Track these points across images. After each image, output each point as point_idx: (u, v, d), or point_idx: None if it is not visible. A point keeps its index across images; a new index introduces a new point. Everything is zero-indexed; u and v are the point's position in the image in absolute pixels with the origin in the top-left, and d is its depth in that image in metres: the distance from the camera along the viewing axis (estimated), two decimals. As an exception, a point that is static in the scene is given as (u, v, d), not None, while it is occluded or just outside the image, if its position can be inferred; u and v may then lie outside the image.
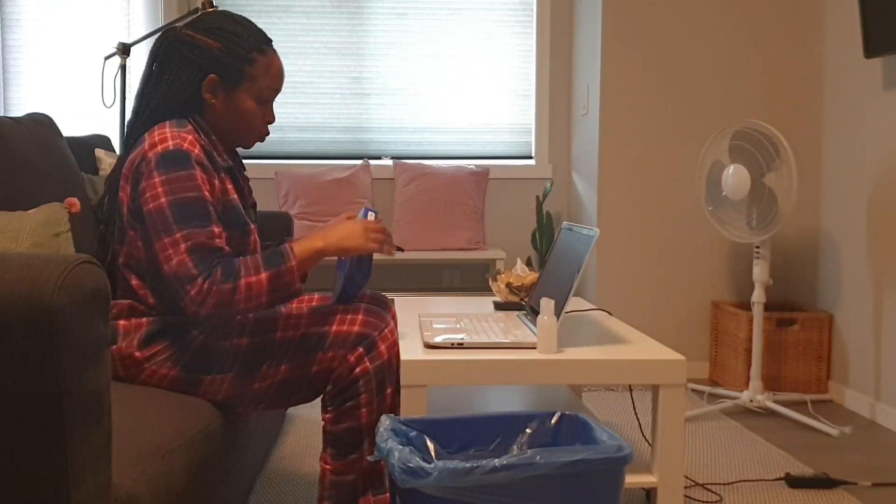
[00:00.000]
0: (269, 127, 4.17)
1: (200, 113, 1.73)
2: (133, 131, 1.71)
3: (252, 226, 1.76)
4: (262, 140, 1.82)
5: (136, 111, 1.73)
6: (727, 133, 2.99)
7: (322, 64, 4.18)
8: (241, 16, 1.75)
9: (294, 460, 2.51)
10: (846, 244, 3.26)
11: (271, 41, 1.77)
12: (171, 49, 1.71)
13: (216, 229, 1.59)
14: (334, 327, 1.67)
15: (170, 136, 1.62)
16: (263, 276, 1.57)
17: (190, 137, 1.63)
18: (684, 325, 3.67)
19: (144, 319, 1.66)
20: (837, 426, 2.88)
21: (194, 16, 3.43)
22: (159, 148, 1.60)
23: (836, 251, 3.33)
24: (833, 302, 3.35)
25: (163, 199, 1.57)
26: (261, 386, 1.66)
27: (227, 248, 1.60)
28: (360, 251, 1.68)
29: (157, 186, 1.58)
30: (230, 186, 1.71)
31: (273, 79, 1.75)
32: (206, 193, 1.60)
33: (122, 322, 1.65)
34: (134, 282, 1.67)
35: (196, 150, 1.62)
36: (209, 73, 1.70)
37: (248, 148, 1.82)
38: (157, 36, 1.88)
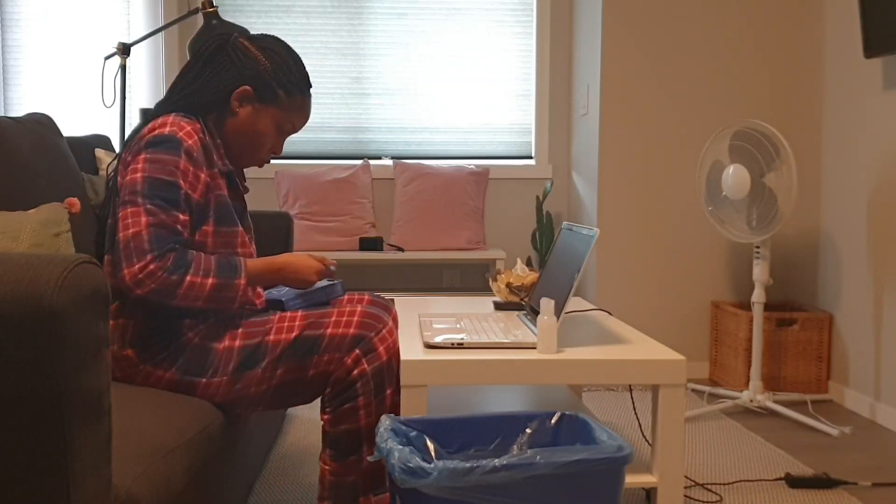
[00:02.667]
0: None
1: (221, 117, 1.74)
2: (155, 113, 1.72)
3: (239, 228, 1.75)
4: (261, 166, 1.84)
5: (167, 94, 1.75)
6: (727, 133, 2.99)
7: (322, 64, 4.18)
8: (295, 53, 1.79)
9: (294, 460, 2.51)
10: (846, 244, 3.26)
11: (311, 86, 1.81)
12: (220, 50, 1.73)
13: (181, 216, 1.60)
14: (329, 330, 1.66)
15: (170, 122, 1.64)
16: (209, 281, 1.59)
17: (188, 128, 1.64)
18: (684, 325, 3.67)
19: (141, 320, 1.65)
20: (837, 426, 2.88)
21: (194, 15, 3.43)
22: (156, 132, 1.63)
23: (836, 251, 3.33)
24: (833, 302, 3.35)
25: (139, 174, 1.59)
26: (257, 390, 1.65)
27: (186, 234, 1.61)
28: (300, 285, 1.76)
29: (139, 162, 1.60)
30: (225, 191, 1.71)
31: (298, 118, 1.79)
32: (182, 182, 1.61)
33: (120, 322, 1.65)
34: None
35: (190, 141, 1.63)
36: (246, 83, 1.71)
37: (245, 167, 1.83)
38: (208, 36, 1.90)
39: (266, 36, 1.78)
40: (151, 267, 1.53)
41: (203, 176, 1.66)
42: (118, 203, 1.63)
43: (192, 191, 1.63)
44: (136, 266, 1.53)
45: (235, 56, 1.72)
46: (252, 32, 1.87)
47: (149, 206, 1.56)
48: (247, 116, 1.73)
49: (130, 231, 1.55)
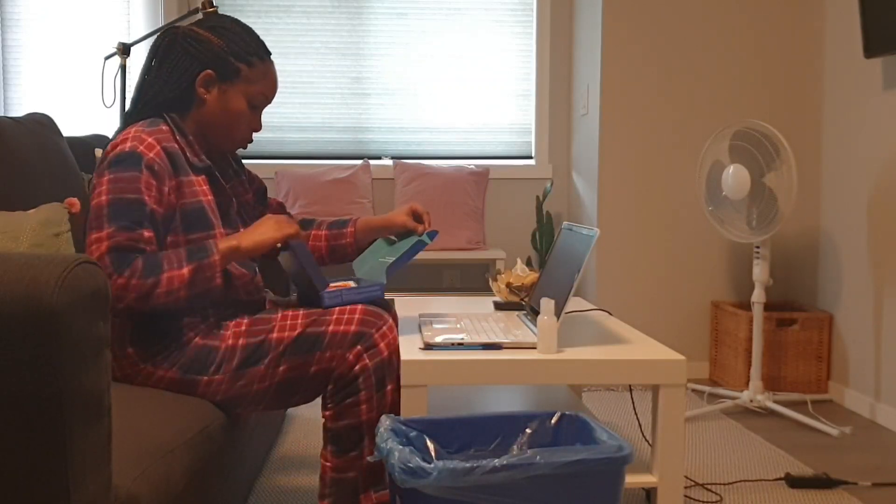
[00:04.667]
0: (269, 126, 4.18)
1: (190, 109, 1.73)
2: (126, 123, 1.72)
3: (216, 231, 1.72)
4: (245, 147, 1.82)
5: (133, 103, 1.74)
6: (727, 133, 2.99)
7: (322, 64, 4.18)
8: (245, 23, 1.78)
9: (294, 460, 2.51)
10: (846, 244, 3.26)
11: (270, 53, 1.79)
12: (172, 44, 1.72)
13: (146, 233, 1.59)
14: (331, 327, 1.67)
15: (132, 136, 1.63)
16: (185, 269, 1.57)
17: (149, 140, 1.63)
18: (684, 325, 3.67)
19: (142, 320, 1.65)
20: (837, 426, 2.88)
21: (194, 15, 3.43)
22: (118, 149, 1.62)
23: (836, 251, 3.33)
24: (833, 302, 3.35)
25: (104, 197, 1.59)
26: (259, 387, 1.66)
27: (150, 249, 1.59)
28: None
29: (103, 184, 1.60)
30: (205, 188, 1.71)
31: (267, 86, 1.77)
32: (146, 197, 1.60)
33: (121, 321, 1.65)
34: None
35: (151, 154, 1.62)
36: (206, 67, 1.71)
37: (230, 151, 1.81)
38: (158, 34, 1.88)
39: (211, 16, 1.77)
40: (119, 282, 1.53)
41: (166, 189, 1.64)
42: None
43: (158, 205, 1.62)
44: (111, 288, 1.54)
45: (188, 44, 1.70)
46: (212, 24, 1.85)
47: (111, 229, 1.56)
48: (215, 100, 1.72)
49: (95, 256, 1.56)
